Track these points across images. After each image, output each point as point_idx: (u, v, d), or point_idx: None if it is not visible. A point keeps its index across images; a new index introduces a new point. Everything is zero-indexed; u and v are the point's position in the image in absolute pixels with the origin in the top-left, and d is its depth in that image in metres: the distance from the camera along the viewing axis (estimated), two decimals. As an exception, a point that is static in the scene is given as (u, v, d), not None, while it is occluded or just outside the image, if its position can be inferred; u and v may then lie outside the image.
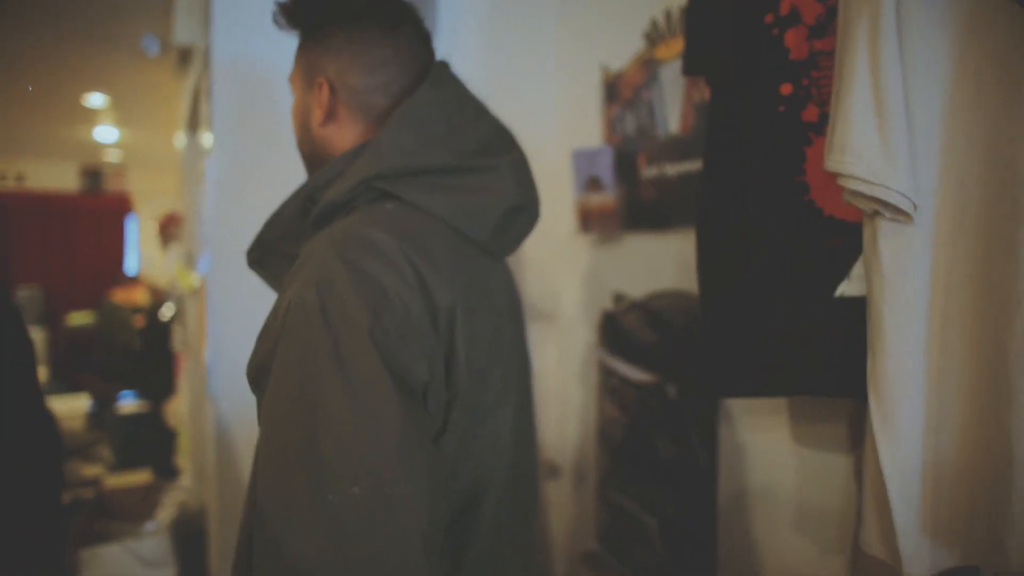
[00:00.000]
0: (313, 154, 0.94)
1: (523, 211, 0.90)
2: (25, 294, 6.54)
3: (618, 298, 1.74)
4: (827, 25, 1.08)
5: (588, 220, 1.87)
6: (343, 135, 0.91)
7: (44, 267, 6.65)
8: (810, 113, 1.09)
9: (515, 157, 0.91)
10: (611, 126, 1.87)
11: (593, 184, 1.82)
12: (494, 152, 0.87)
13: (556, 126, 2.12)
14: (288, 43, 1.02)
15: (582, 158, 1.83)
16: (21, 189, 6.72)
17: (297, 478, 0.65)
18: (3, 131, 6.05)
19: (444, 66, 0.91)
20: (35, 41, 3.83)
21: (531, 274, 2.15)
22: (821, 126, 1.08)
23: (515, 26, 2.13)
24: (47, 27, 3.59)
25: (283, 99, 2.01)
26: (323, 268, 0.72)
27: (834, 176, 0.93)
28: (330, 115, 0.91)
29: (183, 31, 2.59)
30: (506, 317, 0.92)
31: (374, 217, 0.78)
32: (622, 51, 1.82)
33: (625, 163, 1.79)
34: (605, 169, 1.77)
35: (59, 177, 6.88)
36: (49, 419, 1.45)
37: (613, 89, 1.86)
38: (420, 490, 0.68)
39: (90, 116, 5.56)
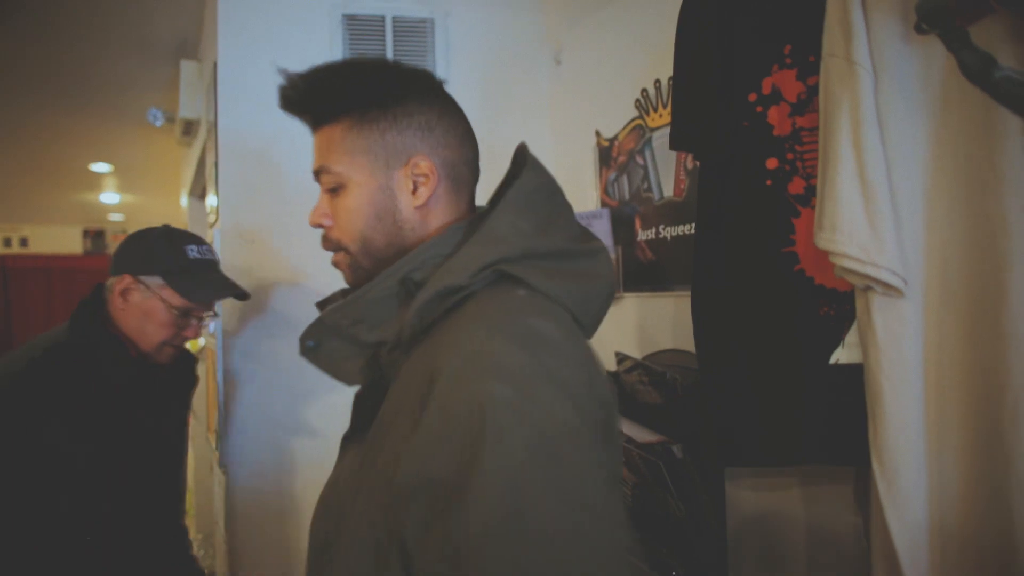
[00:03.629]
0: (394, 242, 0.85)
1: (612, 296, 0.87)
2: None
3: (620, 358, 1.77)
4: (808, 103, 1.14)
5: (588, 281, 1.91)
6: (441, 214, 0.84)
7: (48, 327, 6.70)
8: (796, 186, 1.14)
9: (603, 243, 0.88)
10: (606, 190, 1.92)
11: (591, 246, 1.87)
12: (589, 237, 0.84)
13: (553, 189, 2.17)
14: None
15: (580, 221, 1.88)
16: (25, 252, 6.81)
17: None
18: (10, 199, 6.16)
19: (528, 150, 0.89)
20: (44, 112, 3.94)
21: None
22: (808, 198, 1.13)
23: (509, 92, 2.20)
24: (56, 99, 3.70)
25: (286, 167, 2.07)
26: (501, 361, 0.64)
27: (824, 249, 0.98)
28: (432, 195, 0.84)
29: (188, 107, 2.67)
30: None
31: (518, 304, 0.72)
32: (615, 118, 1.88)
33: (621, 225, 1.84)
34: (603, 232, 1.82)
35: (64, 240, 6.98)
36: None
37: (607, 154, 1.92)
38: None
39: (95, 181, 5.67)
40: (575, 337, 0.73)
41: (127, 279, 1.42)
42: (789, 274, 1.11)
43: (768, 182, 1.15)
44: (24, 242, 6.89)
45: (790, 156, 1.15)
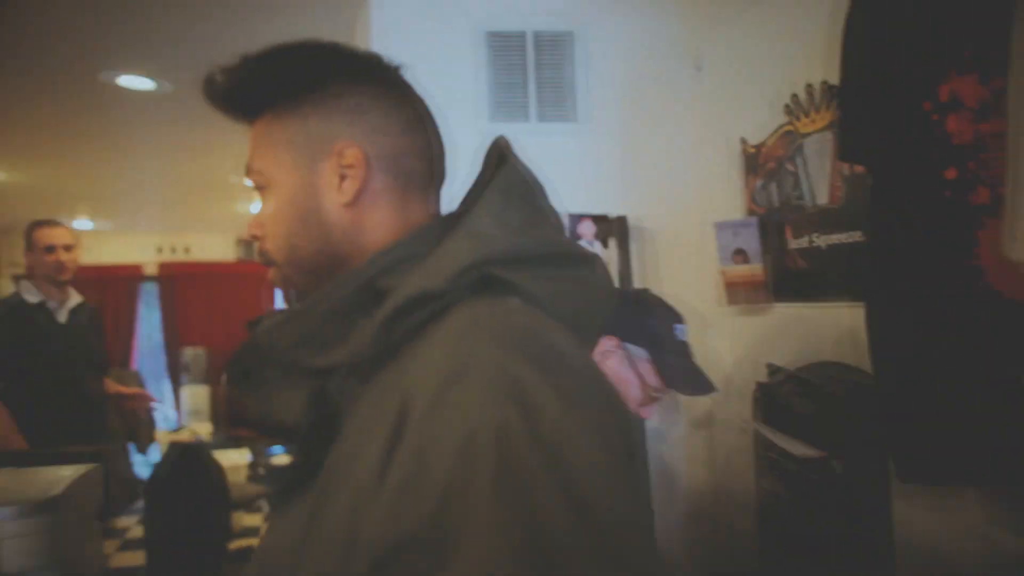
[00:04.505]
0: (323, 249, 0.70)
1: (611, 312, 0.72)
2: (191, 354, 7.22)
3: (773, 369, 1.74)
4: (993, 108, 1.08)
5: (735, 291, 1.88)
6: (382, 215, 0.69)
7: (207, 329, 7.32)
8: (981, 196, 1.09)
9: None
10: (753, 198, 1.89)
11: (739, 255, 1.84)
12: (572, 240, 0.75)
13: (693, 198, 2.16)
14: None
15: (726, 230, 1.86)
16: (188, 260, 7.50)
17: None
18: (176, 210, 6.81)
19: (507, 142, 0.74)
20: (205, 131, 4.33)
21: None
22: (994, 208, 1.07)
23: (648, 101, 2.21)
24: (221, 119, 4.05)
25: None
26: (510, 380, 0.49)
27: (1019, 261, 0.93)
28: (363, 189, 0.69)
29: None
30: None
31: (519, 316, 0.57)
32: (761, 124, 1.85)
33: (770, 234, 1.80)
34: (751, 241, 1.79)
35: (219, 248, 7.60)
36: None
37: (753, 161, 1.89)
38: None
39: (245, 193, 6.15)
40: (588, 358, 0.59)
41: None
42: (975, 288, 1.06)
43: (947, 193, 1.10)
44: (187, 250, 7.57)
45: (972, 165, 1.09)
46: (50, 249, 2.58)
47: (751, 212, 1.89)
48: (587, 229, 2.12)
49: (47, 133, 4.11)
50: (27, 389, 2.44)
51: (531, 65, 2.17)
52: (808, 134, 1.69)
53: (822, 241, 1.65)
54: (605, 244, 2.13)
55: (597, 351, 1.24)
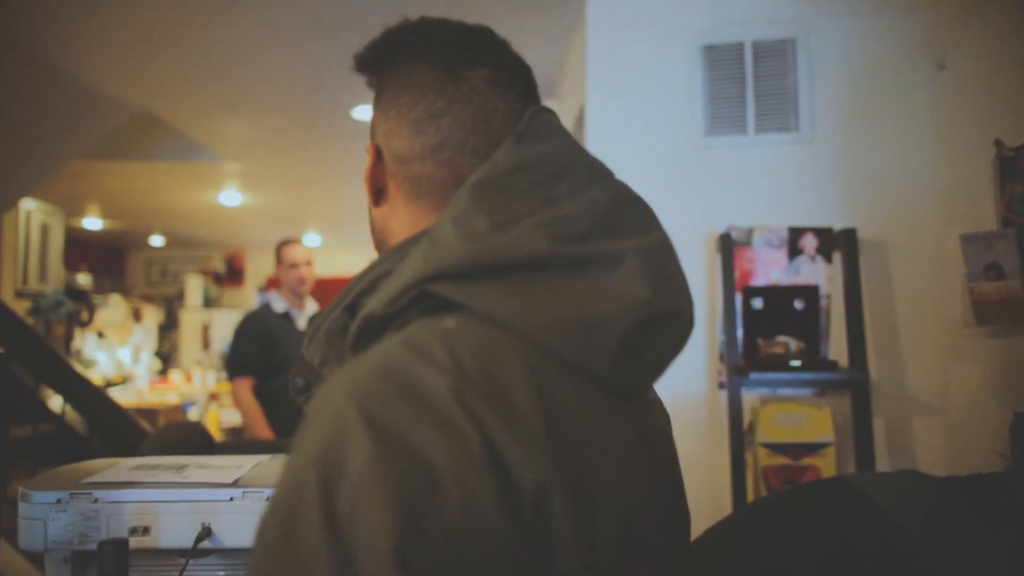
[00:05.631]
0: (379, 249, 0.68)
1: (666, 323, 0.54)
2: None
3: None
4: None
5: (985, 310, 1.70)
6: (398, 219, 0.65)
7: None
8: None
9: (652, 241, 0.57)
10: (1010, 206, 1.70)
11: (991, 271, 1.67)
12: (617, 233, 0.55)
13: (933, 208, 1.99)
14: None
15: (976, 243, 1.69)
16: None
17: None
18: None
19: (542, 113, 0.63)
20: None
21: (912, 361, 2.00)
22: None
23: (880, 106, 2.07)
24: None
25: (652, 196, 2.17)
26: (332, 432, 0.45)
27: None
28: (379, 193, 0.66)
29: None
30: (648, 492, 0.55)
31: (422, 342, 0.48)
32: (1021, 125, 1.66)
33: (1033, 247, 1.61)
34: (1008, 254, 1.62)
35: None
36: None
37: (1012, 166, 1.70)
38: None
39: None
40: (490, 392, 0.46)
41: None
42: None
43: None
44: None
45: None
46: (293, 265, 2.94)
47: (1007, 222, 1.70)
48: (809, 243, 2.03)
49: (292, 162, 4.69)
50: (274, 387, 2.79)
51: (749, 76, 2.12)
52: (1084, 134, 1.49)
53: (1103, 255, 1.45)
54: (829, 259, 2.03)
55: None
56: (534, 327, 0.50)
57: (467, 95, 0.62)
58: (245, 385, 2.81)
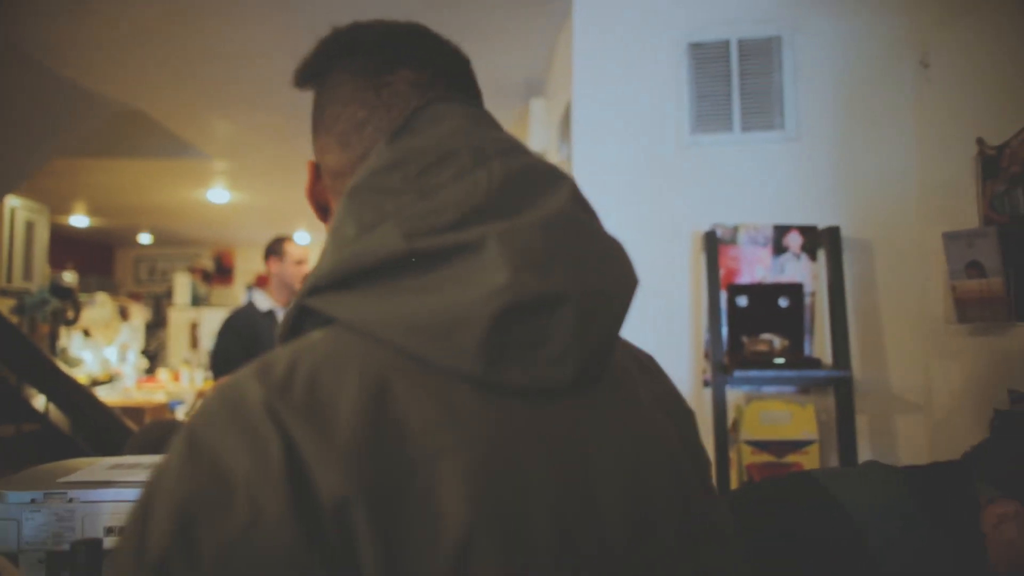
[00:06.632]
0: None
1: (546, 308, 0.48)
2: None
3: (1016, 396, 1.56)
4: None
5: (966, 308, 1.72)
6: None
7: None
8: None
9: (538, 217, 0.51)
10: (992, 204, 1.71)
11: (973, 269, 1.68)
12: (501, 215, 0.50)
13: (916, 206, 2.00)
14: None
15: (958, 241, 1.71)
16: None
17: None
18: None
19: (435, 104, 0.58)
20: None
21: (895, 358, 2.02)
22: None
23: (864, 105, 2.08)
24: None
25: (632, 196, 2.20)
26: (164, 459, 0.45)
27: None
28: (323, 209, 0.64)
29: (537, 141, 2.98)
30: (591, 498, 0.49)
31: (273, 358, 0.48)
32: (1004, 122, 1.67)
33: (1014, 245, 1.62)
34: (989, 252, 1.63)
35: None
36: None
37: (993, 164, 1.71)
38: None
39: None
40: (310, 403, 0.44)
41: None
42: None
43: None
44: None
45: None
46: (300, 262, 2.89)
47: (988, 220, 1.72)
48: (793, 241, 2.04)
49: (281, 159, 4.67)
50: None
51: (735, 74, 2.13)
52: (1064, 133, 1.50)
53: (1082, 253, 1.46)
54: (813, 256, 2.03)
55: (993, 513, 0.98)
56: (390, 331, 0.47)
57: (387, 101, 0.59)
58: None
